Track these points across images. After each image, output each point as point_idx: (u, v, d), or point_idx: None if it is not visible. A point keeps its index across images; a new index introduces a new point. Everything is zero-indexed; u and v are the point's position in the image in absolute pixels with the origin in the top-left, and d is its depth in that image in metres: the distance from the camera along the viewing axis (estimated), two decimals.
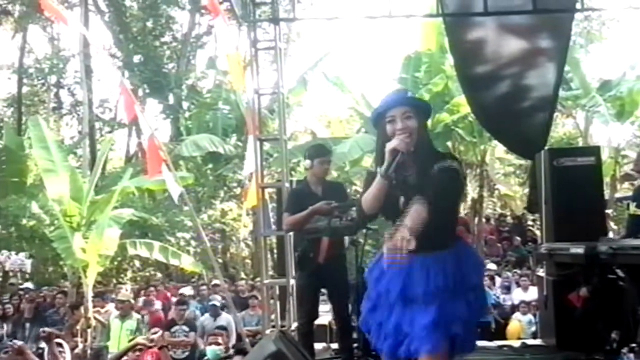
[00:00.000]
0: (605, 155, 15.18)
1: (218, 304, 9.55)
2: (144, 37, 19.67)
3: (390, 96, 2.94)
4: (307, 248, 4.93)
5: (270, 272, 7.13)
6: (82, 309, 10.25)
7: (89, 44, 15.12)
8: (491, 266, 13.83)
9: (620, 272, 4.56)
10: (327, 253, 4.73)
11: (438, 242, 2.76)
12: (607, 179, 15.59)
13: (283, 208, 5.51)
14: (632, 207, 5.23)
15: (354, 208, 4.66)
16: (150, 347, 6.77)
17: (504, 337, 8.95)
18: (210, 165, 17.47)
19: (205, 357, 6.83)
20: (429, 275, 2.76)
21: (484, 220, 18.57)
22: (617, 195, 17.17)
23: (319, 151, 5.13)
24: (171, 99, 19.16)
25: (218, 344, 6.77)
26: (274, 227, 6.84)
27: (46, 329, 6.83)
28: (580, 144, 17.71)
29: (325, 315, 7.88)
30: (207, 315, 9.39)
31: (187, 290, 11.65)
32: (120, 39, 20.01)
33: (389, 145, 2.73)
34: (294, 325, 5.55)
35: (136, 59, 19.51)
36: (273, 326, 6.57)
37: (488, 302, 10.95)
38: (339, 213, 4.74)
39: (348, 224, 4.72)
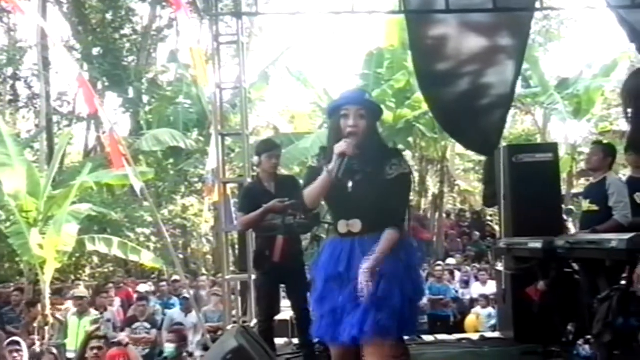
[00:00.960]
0: (562, 152, 15.49)
1: (189, 296, 9.44)
2: (103, 29, 19.31)
3: (350, 93, 3.20)
4: (263, 246, 4.91)
5: (232, 268, 7.10)
6: (39, 307, 10.05)
7: (46, 35, 14.79)
8: (450, 260, 14.02)
9: (576, 266, 4.66)
10: (283, 251, 4.70)
11: (383, 222, 2.96)
12: (564, 175, 15.93)
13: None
14: (585, 204, 5.34)
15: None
16: (97, 338, 6.63)
17: (463, 331, 9.07)
18: (171, 160, 17.27)
19: (164, 355, 6.74)
20: (366, 255, 2.90)
21: (444, 215, 18.79)
22: (574, 191, 17.55)
23: (266, 146, 5.08)
24: (131, 93, 18.86)
25: (175, 342, 6.66)
26: (235, 222, 6.81)
27: None
28: (539, 140, 18.01)
29: (287, 310, 7.88)
30: (177, 310, 9.29)
31: (143, 287, 11.50)
32: (79, 30, 19.62)
33: (338, 149, 2.94)
34: (255, 320, 5.54)
35: (95, 51, 19.14)
36: (235, 322, 6.54)
37: (448, 295, 11.11)
38: (293, 211, 4.70)
39: (302, 221, 4.66)
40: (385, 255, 2.87)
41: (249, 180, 6.15)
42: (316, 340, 4.32)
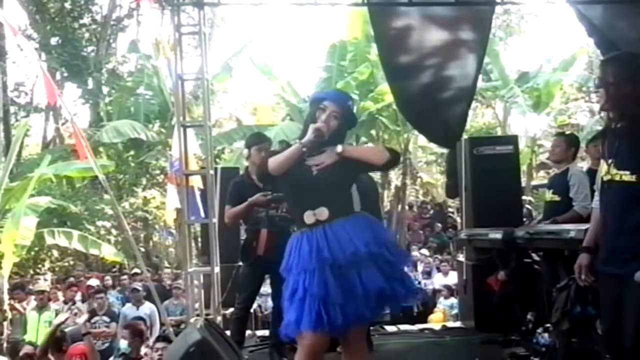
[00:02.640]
0: (522, 145, 15.73)
1: (140, 288, 9.33)
2: (61, 18, 18.93)
3: (334, 92, 3.70)
4: (250, 239, 4.94)
5: (195, 261, 7.03)
6: None
7: (2, 24, 14.43)
8: (413, 252, 14.14)
9: (535, 256, 4.74)
10: (267, 244, 4.73)
11: (347, 207, 3.17)
12: (524, 168, 16.19)
13: (207, 195, 5.49)
14: (549, 194, 5.43)
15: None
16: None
17: (426, 322, 9.15)
18: (131, 152, 17.04)
19: (119, 351, 6.64)
20: (356, 235, 3.03)
21: (406, 207, 18.93)
22: (533, 182, 17.87)
23: (256, 139, 5.12)
24: (90, 84, 18.54)
25: (129, 338, 6.55)
26: (202, 214, 6.74)
27: None
28: (499, 133, 18.26)
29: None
30: (129, 304, 9.19)
31: (94, 282, 11.33)
32: (37, 19, 19.19)
33: (315, 126, 3.11)
34: (227, 312, 5.52)
35: (54, 41, 18.77)
36: (197, 315, 6.50)
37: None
38: (276, 204, 4.73)
39: (284, 215, 4.68)
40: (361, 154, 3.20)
41: (211, 172, 6.10)
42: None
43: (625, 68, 2.81)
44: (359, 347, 3.20)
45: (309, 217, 3.08)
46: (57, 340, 6.22)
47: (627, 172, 2.74)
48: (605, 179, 2.86)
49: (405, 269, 3.31)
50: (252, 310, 8.16)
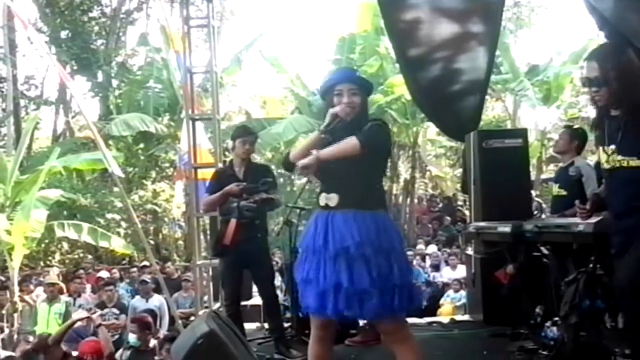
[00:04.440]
0: (532, 138, 15.68)
1: (149, 280, 9.37)
2: (71, 11, 18.97)
3: (340, 72, 3.47)
4: (221, 230, 4.95)
5: (203, 253, 7.06)
6: (7, 293, 9.91)
7: (13, 16, 14.48)
8: (421, 245, 14.14)
9: (544, 250, 4.72)
10: (235, 235, 4.74)
11: (361, 200, 3.06)
12: (533, 161, 16.13)
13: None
14: (555, 188, 5.40)
15: (262, 189, 4.75)
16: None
17: (435, 315, 9.14)
18: (141, 145, 17.10)
19: (128, 343, 6.67)
20: (352, 230, 3.01)
21: (415, 200, 18.92)
22: (543, 176, 17.79)
23: (240, 132, 5.14)
24: (100, 77, 18.60)
25: (138, 331, 6.58)
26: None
27: None
28: (509, 126, 18.21)
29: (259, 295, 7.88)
30: (138, 297, 9.23)
31: (104, 274, 11.37)
32: (47, 13, 19.25)
33: (332, 110, 3.10)
34: (217, 306, 5.55)
35: (63, 34, 18.82)
36: (206, 307, 6.53)
37: (419, 279, 11.21)
38: (247, 194, 4.74)
39: (250, 205, 4.74)
40: (335, 154, 3.01)
41: (220, 165, 6.12)
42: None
43: (624, 58, 2.81)
44: (393, 339, 3.15)
45: (322, 199, 3.13)
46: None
47: (635, 158, 2.75)
48: (606, 167, 2.86)
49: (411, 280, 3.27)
50: (260, 303, 8.22)
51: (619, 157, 2.79)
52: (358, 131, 3.04)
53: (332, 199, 3.08)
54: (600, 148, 2.93)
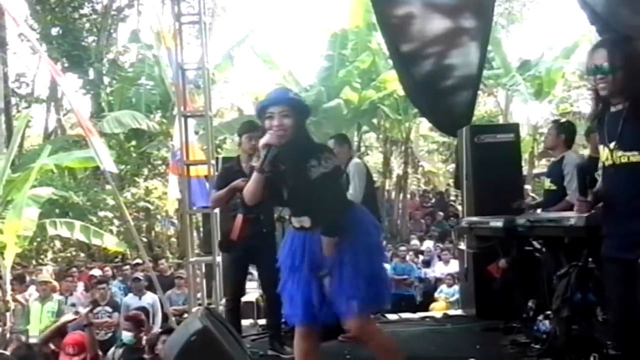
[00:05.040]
0: (524, 133, 15.72)
1: (142, 278, 9.35)
2: (62, 8, 18.84)
3: (272, 94, 3.30)
4: (228, 226, 4.96)
5: (197, 250, 7.05)
6: (0, 292, 9.87)
7: (3, 14, 14.40)
8: (416, 241, 14.17)
9: (536, 244, 4.74)
10: (242, 230, 4.75)
11: (324, 220, 3.12)
12: (525, 156, 16.18)
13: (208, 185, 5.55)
14: (547, 183, 5.43)
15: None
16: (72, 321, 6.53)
17: (428, 310, 9.16)
18: (133, 143, 17.05)
19: (121, 341, 6.64)
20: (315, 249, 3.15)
21: (408, 196, 18.95)
22: (535, 171, 17.85)
23: (247, 127, 5.12)
24: (91, 74, 18.51)
25: (131, 329, 6.57)
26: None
27: None
28: (501, 121, 18.25)
29: (252, 292, 7.89)
30: (131, 294, 9.21)
31: (96, 272, 11.33)
32: (37, 10, 19.14)
33: (262, 141, 3.05)
34: (223, 302, 5.55)
35: (54, 31, 18.72)
36: (199, 304, 6.52)
37: (412, 275, 11.24)
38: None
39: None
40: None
41: (212, 162, 6.10)
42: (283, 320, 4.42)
43: (630, 48, 2.76)
44: (360, 335, 3.28)
45: (295, 222, 3.23)
46: (60, 331, 6.25)
47: (635, 153, 2.69)
48: (607, 163, 2.80)
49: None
50: (254, 300, 8.22)
51: (619, 153, 2.74)
52: (299, 157, 3.04)
53: (305, 221, 3.17)
54: (601, 145, 2.87)
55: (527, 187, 14.68)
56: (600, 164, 2.93)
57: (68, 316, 6.62)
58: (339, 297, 3.12)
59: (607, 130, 2.82)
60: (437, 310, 9.05)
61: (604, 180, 2.91)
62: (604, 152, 2.84)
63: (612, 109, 2.82)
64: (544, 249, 4.73)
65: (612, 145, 2.77)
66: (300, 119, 3.14)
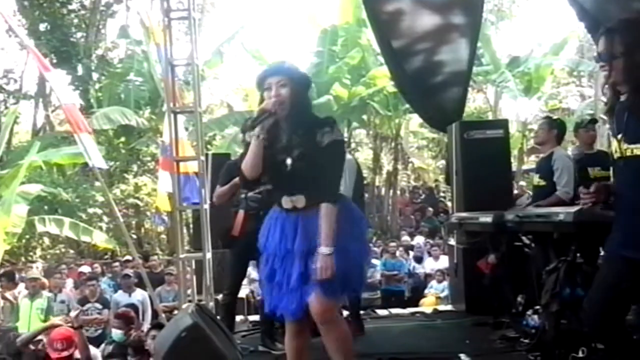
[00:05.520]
0: (513, 129, 15.79)
1: (132, 274, 9.32)
2: (50, 4, 18.74)
3: (271, 65, 3.28)
4: (230, 222, 5.00)
5: (186, 247, 7.03)
6: None
7: None
8: (406, 237, 14.20)
9: (525, 239, 4.77)
10: (242, 226, 4.80)
11: (320, 199, 2.95)
12: (514, 152, 16.26)
13: (198, 182, 5.57)
14: (536, 179, 5.45)
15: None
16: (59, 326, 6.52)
17: (418, 306, 9.20)
18: (122, 139, 16.99)
19: (111, 338, 6.62)
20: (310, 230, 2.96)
21: (398, 192, 18.99)
22: (524, 167, 17.93)
23: (251, 125, 5.13)
24: (80, 70, 18.42)
25: (121, 327, 6.56)
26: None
27: None
28: (490, 118, 18.30)
29: (243, 288, 7.88)
30: (120, 291, 9.18)
31: (86, 269, 11.28)
32: (25, 5, 19.00)
33: (260, 107, 3.01)
34: (220, 297, 5.56)
35: (42, 27, 18.61)
36: (190, 301, 6.50)
37: (402, 270, 11.26)
38: (253, 185, 4.78)
39: (255, 196, 4.78)
40: (332, 232, 2.90)
41: (202, 158, 6.09)
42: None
43: (633, 35, 2.64)
44: (330, 326, 3.05)
45: (286, 202, 3.03)
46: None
47: (639, 145, 2.58)
48: (616, 156, 2.68)
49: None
50: (244, 296, 8.21)
51: (625, 146, 2.62)
52: (306, 124, 2.98)
53: (299, 201, 2.99)
54: (612, 137, 2.75)
55: (522, 183, 14.79)
56: (611, 158, 2.80)
57: (56, 320, 6.56)
58: (314, 281, 2.94)
59: (616, 121, 2.71)
60: (427, 305, 9.10)
61: (614, 173, 2.80)
62: (613, 145, 2.73)
63: (622, 98, 2.70)
64: (533, 244, 4.76)
65: (619, 137, 2.65)
66: (300, 89, 3.04)
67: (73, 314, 6.55)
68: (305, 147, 2.95)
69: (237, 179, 4.77)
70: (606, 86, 2.75)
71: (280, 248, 3.03)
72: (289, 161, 2.98)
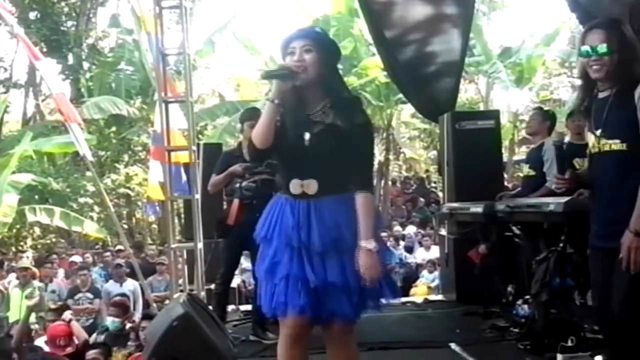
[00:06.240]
0: (504, 120, 15.82)
1: (123, 264, 9.31)
2: None
3: (298, 29, 2.78)
4: (226, 211, 5.03)
5: (178, 237, 7.04)
6: None
7: None
8: (398, 227, 14.23)
9: (516, 229, 4.80)
10: (237, 215, 4.80)
11: (334, 186, 2.61)
12: (506, 143, 16.29)
13: (190, 171, 5.59)
14: (525, 169, 5.49)
15: (265, 170, 4.73)
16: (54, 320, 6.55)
17: (409, 295, 9.22)
18: (113, 128, 16.92)
19: (105, 327, 6.64)
20: (341, 218, 2.58)
21: (390, 182, 19.00)
22: (515, 158, 17.99)
23: (248, 115, 5.14)
24: (71, 59, 18.30)
25: (118, 315, 6.59)
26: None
27: None
28: (482, 108, 18.31)
29: (235, 278, 7.88)
30: (111, 281, 9.18)
31: (77, 258, 11.28)
32: None
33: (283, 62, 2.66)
34: (211, 287, 5.57)
35: (32, 15, 18.45)
36: (181, 290, 6.51)
37: (393, 260, 11.30)
38: (249, 174, 4.81)
39: (250, 185, 4.81)
40: (373, 225, 2.57)
41: (194, 148, 6.08)
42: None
43: (624, 32, 2.70)
44: (344, 345, 2.72)
45: (295, 186, 2.62)
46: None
47: (617, 141, 2.66)
48: (593, 151, 2.78)
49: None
50: (235, 285, 8.22)
51: (604, 141, 2.70)
52: (338, 97, 2.63)
53: (310, 186, 2.59)
54: (589, 132, 2.82)
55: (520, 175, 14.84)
56: (587, 151, 2.88)
57: (34, 300, 6.59)
58: (339, 288, 2.56)
59: (593, 117, 2.78)
60: (419, 294, 9.13)
61: (590, 168, 2.87)
62: (590, 139, 2.81)
63: (600, 95, 2.78)
64: (523, 234, 4.79)
65: (598, 132, 2.73)
66: (328, 57, 2.66)
67: (66, 313, 6.54)
68: (330, 124, 2.59)
69: (232, 168, 4.84)
70: (582, 81, 2.81)
71: (292, 238, 2.59)
72: (307, 136, 2.60)
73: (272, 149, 2.65)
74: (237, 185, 4.87)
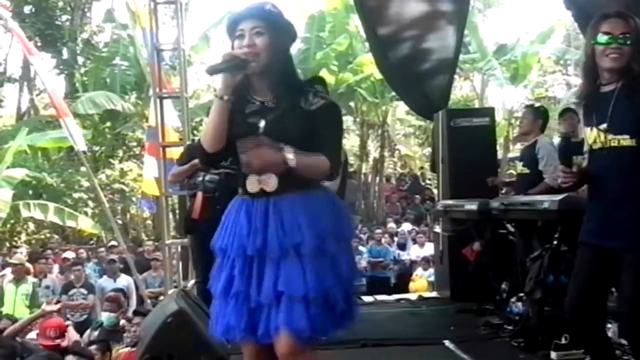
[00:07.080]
0: (499, 117, 15.83)
1: (117, 260, 9.30)
2: None
3: (251, 5, 2.38)
4: (190, 206, 4.89)
5: (172, 233, 7.04)
6: None
7: None
8: (392, 224, 14.25)
9: (510, 227, 4.81)
10: (202, 209, 4.65)
11: (297, 181, 2.27)
12: (500, 140, 16.31)
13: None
14: (519, 167, 5.50)
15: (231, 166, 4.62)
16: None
17: (403, 292, 9.24)
18: (108, 124, 16.87)
19: (100, 323, 6.64)
20: (303, 218, 2.26)
21: (384, 179, 19.02)
22: (510, 155, 18.02)
23: None
24: (65, 54, 18.24)
25: (113, 310, 6.59)
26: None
27: None
28: (477, 106, 18.34)
29: None
30: (105, 277, 9.17)
31: (71, 254, 11.25)
32: None
33: (226, 52, 2.32)
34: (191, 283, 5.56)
35: (27, 9, 18.37)
36: (176, 286, 6.51)
37: (388, 257, 11.33)
38: (214, 164, 4.66)
39: (212, 177, 4.65)
40: (309, 162, 2.25)
41: (189, 143, 6.08)
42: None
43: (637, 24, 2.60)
44: None
45: (252, 183, 2.28)
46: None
47: (626, 137, 2.57)
48: (596, 146, 2.68)
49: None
50: None
51: (610, 136, 2.60)
52: (289, 84, 2.33)
53: (269, 182, 2.25)
54: (588, 127, 2.73)
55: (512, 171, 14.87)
56: (586, 147, 2.82)
57: (48, 307, 6.55)
58: (293, 298, 2.20)
59: (595, 111, 2.69)
60: (417, 289, 9.16)
61: (591, 163, 2.78)
62: (591, 135, 2.70)
63: (603, 89, 2.68)
64: (517, 232, 4.80)
65: (602, 127, 2.63)
66: (281, 40, 2.34)
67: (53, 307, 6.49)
68: (285, 110, 2.28)
69: (195, 160, 4.53)
70: (583, 75, 2.75)
71: (247, 246, 2.26)
72: (262, 124, 2.28)
73: (226, 151, 2.34)
74: (200, 178, 4.72)
